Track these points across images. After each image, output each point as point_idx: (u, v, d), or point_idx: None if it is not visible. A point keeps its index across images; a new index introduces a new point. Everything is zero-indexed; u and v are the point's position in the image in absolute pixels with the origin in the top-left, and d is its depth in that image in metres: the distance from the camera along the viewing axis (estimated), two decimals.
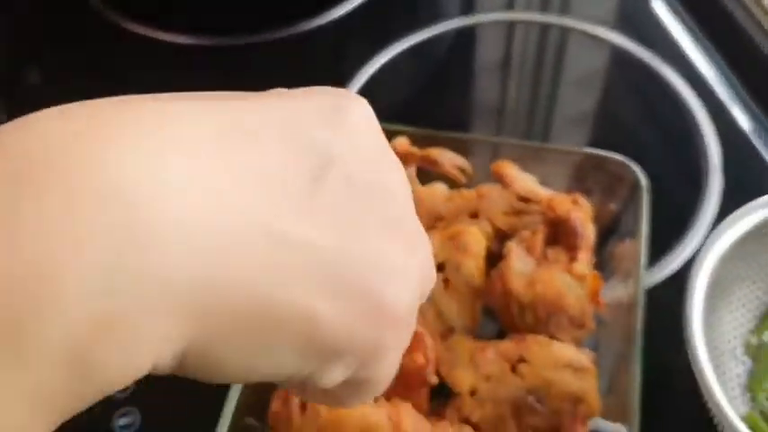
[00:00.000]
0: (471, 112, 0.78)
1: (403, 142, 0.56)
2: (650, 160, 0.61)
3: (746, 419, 0.50)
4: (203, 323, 0.21)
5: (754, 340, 0.54)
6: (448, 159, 0.56)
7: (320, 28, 0.82)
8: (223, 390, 0.50)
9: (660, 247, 0.60)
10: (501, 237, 0.55)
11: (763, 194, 0.52)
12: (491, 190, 0.56)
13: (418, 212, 0.57)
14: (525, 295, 0.51)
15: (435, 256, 0.52)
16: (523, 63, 0.81)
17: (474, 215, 0.55)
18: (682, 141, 0.73)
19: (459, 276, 0.52)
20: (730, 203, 0.64)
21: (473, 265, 0.52)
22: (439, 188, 0.58)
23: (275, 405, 0.48)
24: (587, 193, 0.56)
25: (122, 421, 0.54)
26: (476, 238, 0.52)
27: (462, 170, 0.57)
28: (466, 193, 0.57)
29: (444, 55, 0.82)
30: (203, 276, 0.21)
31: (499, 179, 0.56)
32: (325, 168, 0.24)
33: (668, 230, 0.63)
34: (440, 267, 0.52)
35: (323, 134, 0.24)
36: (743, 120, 0.74)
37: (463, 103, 0.78)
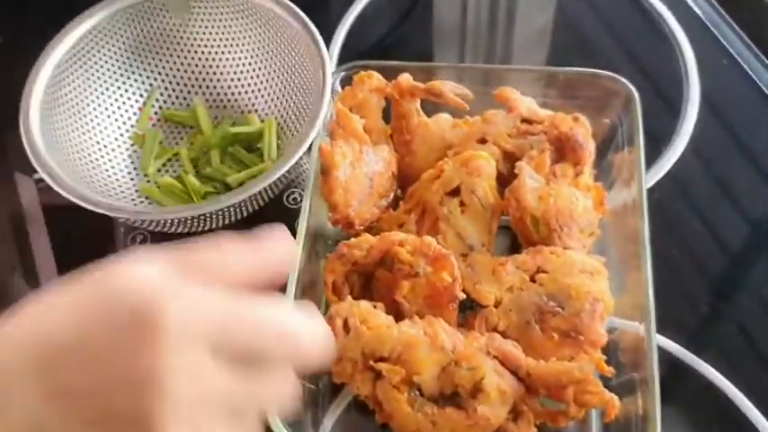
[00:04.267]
0: (438, 39, 0.81)
1: (407, 77, 0.59)
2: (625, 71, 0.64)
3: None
4: None
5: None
6: (450, 89, 0.59)
7: None
8: None
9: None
10: (509, 158, 0.58)
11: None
12: (495, 115, 0.59)
13: (428, 143, 0.60)
14: (538, 209, 0.55)
15: (450, 181, 0.56)
16: None
17: (481, 140, 0.58)
18: (656, 50, 0.77)
19: (474, 198, 0.55)
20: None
21: (486, 185, 0.55)
22: (444, 118, 0.61)
23: None
24: (581, 110, 0.60)
25: None
26: (486, 161, 0.56)
27: (464, 98, 0.59)
28: (471, 119, 0.60)
29: None
30: None
31: (503, 103, 0.59)
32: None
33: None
34: (455, 192, 0.56)
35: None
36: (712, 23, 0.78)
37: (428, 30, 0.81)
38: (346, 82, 0.61)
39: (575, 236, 0.55)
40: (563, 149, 0.57)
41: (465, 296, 0.53)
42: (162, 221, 0.60)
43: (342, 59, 0.75)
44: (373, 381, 0.51)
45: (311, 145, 0.60)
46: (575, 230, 0.55)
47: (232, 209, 0.60)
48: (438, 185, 0.56)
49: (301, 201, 0.64)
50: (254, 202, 0.62)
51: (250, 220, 0.64)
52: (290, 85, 0.69)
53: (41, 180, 0.60)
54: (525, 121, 0.59)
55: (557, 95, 0.62)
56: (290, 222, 0.66)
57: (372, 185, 0.56)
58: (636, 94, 0.59)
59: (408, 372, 0.49)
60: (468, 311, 0.54)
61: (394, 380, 0.50)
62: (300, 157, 0.60)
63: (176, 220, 0.60)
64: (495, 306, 0.53)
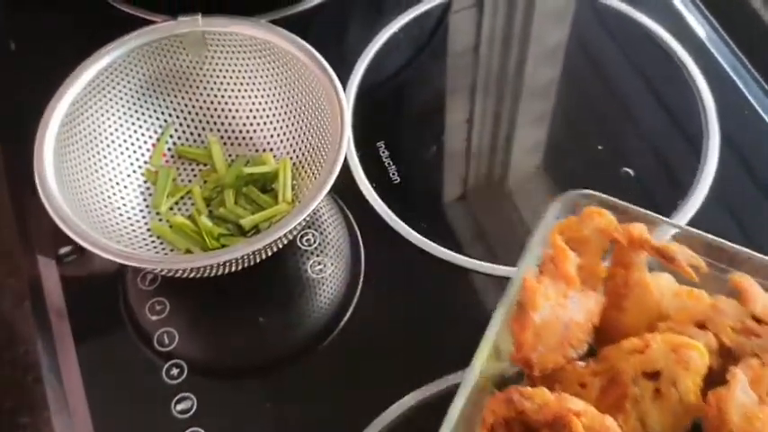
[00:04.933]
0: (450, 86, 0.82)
1: (641, 229, 0.53)
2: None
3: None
4: None
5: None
6: (685, 257, 0.53)
7: (317, 7, 0.86)
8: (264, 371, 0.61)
9: None
10: (724, 354, 0.52)
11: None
12: (725, 303, 0.52)
13: (642, 305, 0.54)
14: (740, 427, 0.48)
15: (653, 362, 0.50)
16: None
17: (701, 324, 0.52)
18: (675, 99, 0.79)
19: (672, 391, 0.49)
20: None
21: (691, 382, 0.49)
22: (667, 281, 0.55)
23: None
24: None
25: (180, 407, 0.59)
26: (700, 355, 0.49)
27: (696, 269, 0.53)
28: (695, 293, 0.54)
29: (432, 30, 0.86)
30: None
31: (737, 291, 0.53)
32: None
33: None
34: (654, 375, 0.50)
35: None
36: (735, 74, 0.80)
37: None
38: (570, 209, 0.56)
39: None
40: None
41: None
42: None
43: (360, 92, 0.77)
44: None
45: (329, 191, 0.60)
46: None
47: (246, 255, 0.59)
48: (637, 362, 0.50)
49: (315, 242, 0.67)
50: (268, 249, 0.61)
51: (264, 278, 0.64)
52: (306, 127, 0.68)
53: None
54: (756, 319, 0.52)
55: None
56: (301, 263, 0.67)
57: (567, 335, 0.51)
58: None
59: None
60: None
61: None
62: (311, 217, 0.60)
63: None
64: None
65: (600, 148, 0.75)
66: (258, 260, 0.62)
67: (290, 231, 0.59)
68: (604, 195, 0.55)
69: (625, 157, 0.74)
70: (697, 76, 0.80)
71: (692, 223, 0.67)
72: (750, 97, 0.78)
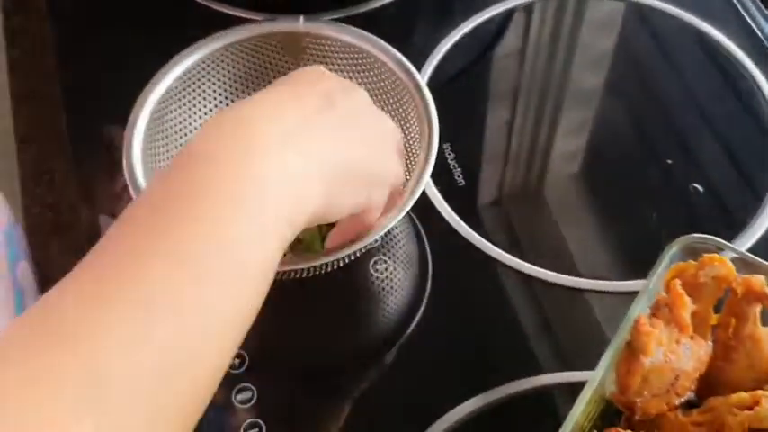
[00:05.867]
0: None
1: (761, 281, 0.52)
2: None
3: None
4: (332, 186, 0.47)
5: None
6: None
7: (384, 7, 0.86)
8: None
9: None
10: None
11: None
12: None
13: (752, 359, 0.52)
14: None
15: (763, 420, 0.49)
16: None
17: None
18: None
19: None
20: None
21: None
22: None
23: None
24: None
25: (240, 396, 0.60)
26: None
27: None
28: None
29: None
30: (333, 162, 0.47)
31: None
32: (350, 127, 0.51)
33: None
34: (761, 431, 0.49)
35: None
36: None
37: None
38: (689, 254, 0.54)
39: None
40: None
41: None
42: None
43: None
44: None
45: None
46: None
47: (317, 267, 0.57)
48: (746, 417, 0.49)
49: (387, 270, 0.66)
50: (340, 262, 0.59)
51: (331, 279, 0.61)
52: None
53: None
54: None
55: None
56: (369, 266, 0.66)
57: (675, 383, 0.50)
58: None
59: None
60: None
61: None
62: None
63: None
64: None
65: (669, 162, 0.75)
66: (327, 269, 0.60)
67: (364, 247, 0.58)
68: (723, 241, 0.54)
69: (693, 173, 0.73)
70: (762, 82, 0.78)
71: (756, 247, 0.67)
72: None
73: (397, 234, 0.69)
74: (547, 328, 0.63)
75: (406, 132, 0.66)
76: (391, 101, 0.67)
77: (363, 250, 0.58)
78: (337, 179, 0.48)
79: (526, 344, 0.63)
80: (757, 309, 0.53)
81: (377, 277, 0.66)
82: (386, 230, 0.56)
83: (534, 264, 0.67)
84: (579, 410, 0.49)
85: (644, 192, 0.73)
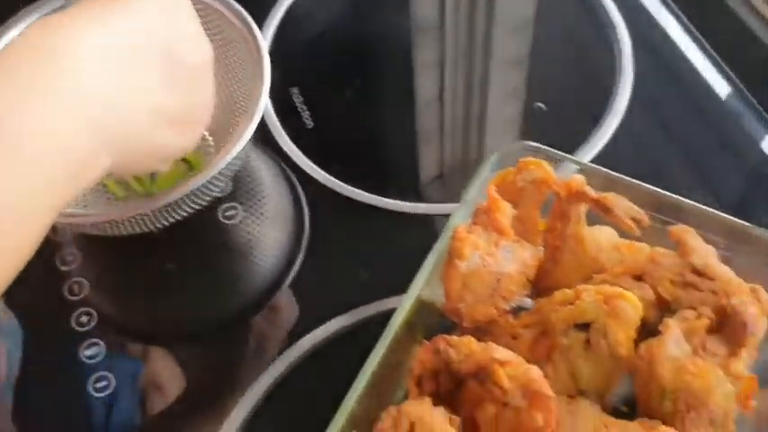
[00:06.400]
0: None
1: (580, 180, 0.52)
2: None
3: None
4: (118, 148, 0.44)
5: None
6: (624, 209, 0.51)
7: None
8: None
9: None
10: (661, 306, 0.50)
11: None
12: (664, 256, 0.51)
13: (578, 258, 0.52)
14: (670, 381, 0.47)
15: (583, 313, 0.49)
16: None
17: (638, 277, 0.51)
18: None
19: (602, 343, 0.48)
20: None
21: (622, 334, 0.48)
22: (607, 234, 0.54)
23: (385, 423, 0.47)
24: None
25: (88, 352, 0.60)
26: (633, 307, 0.48)
27: (638, 222, 0.52)
28: (636, 247, 0.53)
29: None
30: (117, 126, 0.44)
31: (677, 244, 0.51)
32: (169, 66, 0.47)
33: None
34: (585, 326, 0.49)
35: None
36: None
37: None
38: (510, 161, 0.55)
39: (702, 425, 0.46)
40: (725, 322, 0.48)
41: None
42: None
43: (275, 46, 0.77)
44: None
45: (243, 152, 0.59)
46: (704, 419, 0.47)
47: (154, 216, 0.57)
48: (567, 313, 0.49)
49: (237, 216, 0.66)
50: (181, 209, 0.58)
51: (178, 231, 0.61)
52: (223, 79, 0.65)
53: None
54: (696, 272, 0.50)
55: (748, 254, 0.52)
56: (225, 238, 0.66)
57: (497, 287, 0.50)
58: None
59: None
60: None
61: None
62: (236, 166, 0.57)
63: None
64: None
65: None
66: (169, 221, 0.60)
67: (202, 192, 0.58)
68: (544, 146, 0.54)
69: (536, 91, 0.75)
70: (611, 8, 0.79)
71: (600, 157, 0.68)
72: (667, 31, 0.78)
73: (245, 177, 0.69)
74: (401, 255, 0.63)
75: (238, 74, 0.66)
76: (222, 47, 0.66)
77: (204, 198, 0.59)
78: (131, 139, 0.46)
79: (381, 269, 0.63)
80: (582, 209, 0.53)
81: (222, 221, 0.66)
82: (217, 170, 0.57)
83: (385, 197, 0.67)
84: (398, 321, 0.49)
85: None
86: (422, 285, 0.50)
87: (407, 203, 0.67)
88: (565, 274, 0.52)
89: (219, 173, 0.57)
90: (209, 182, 0.57)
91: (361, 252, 0.65)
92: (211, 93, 0.53)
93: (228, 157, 0.57)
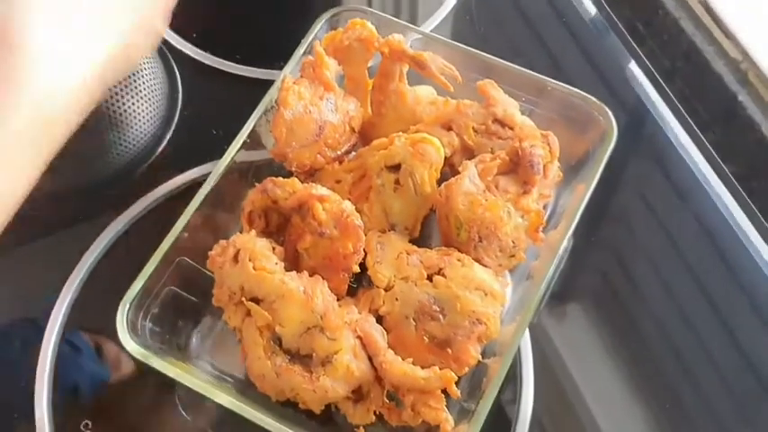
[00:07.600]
0: None
1: (398, 38, 0.57)
2: None
3: None
4: None
5: None
6: (438, 66, 0.57)
7: None
8: None
9: None
10: (467, 153, 0.57)
11: None
12: (469, 106, 0.57)
13: (398, 111, 0.59)
14: (465, 214, 0.53)
15: (393, 155, 0.55)
16: None
17: (448, 126, 0.57)
18: None
19: (409, 181, 0.54)
20: None
21: (426, 173, 0.54)
22: (426, 92, 0.59)
23: (215, 251, 0.53)
24: (566, 127, 0.57)
25: None
26: (436, 149, 0.54)
27: (451, 79, 0.57)
28: (450, 102, 0.59)
29: None
30: None
31: (482, 97, 0.57)
32: None
33: None
34: (396, 168, 0.55)
35: None
36: None
37: None
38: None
39: (492, 252, 0.53)
40: (518, 164, 0.55)
41: (360, 270, 0.53)
42: None
43: None
44: (243, 316, 0.52)
45: None
46: (494, 247, 0.53)
47: None
48: (381, 157, 0.55)
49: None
50: None
51: None
52: None
53: None
54: (498, 122, 0.57)
55: (547, 106, 0.58)
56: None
57: (321, 134, 0.56)
58: (614, 133, 0.55)
59: (274, 320, 0.51)
60: (366, 287, 0.55)
61: (258, 322, 0.51)
62: None
63: None
64: (386, 290, 0.53)
65: None
66: None
67: None
68: (370, 9, 0.59)
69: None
70: None
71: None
72: None
73: None
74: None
75: None
76: None
77: None
78: None
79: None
80: (403, 68, 0.59)
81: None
82: None
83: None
84: (226, 161, 0.55)
85: None
86: (252, 125, 0.56)
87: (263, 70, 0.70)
88: (387, 127, 0.58)
89: None
90: None
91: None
92: None
93: None
